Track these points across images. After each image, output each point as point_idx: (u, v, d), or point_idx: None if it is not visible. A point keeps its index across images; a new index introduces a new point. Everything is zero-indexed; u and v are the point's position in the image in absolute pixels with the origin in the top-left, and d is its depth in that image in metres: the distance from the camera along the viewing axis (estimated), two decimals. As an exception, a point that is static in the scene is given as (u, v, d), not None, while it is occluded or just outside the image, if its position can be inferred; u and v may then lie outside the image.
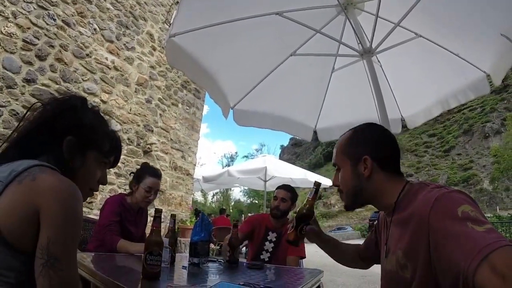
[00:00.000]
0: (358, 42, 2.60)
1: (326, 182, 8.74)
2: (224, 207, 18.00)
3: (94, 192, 1.15)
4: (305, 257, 2.91)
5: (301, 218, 1.54)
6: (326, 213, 33.09)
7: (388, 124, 2.47)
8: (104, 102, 6.30)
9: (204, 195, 38.68)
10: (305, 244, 3.16)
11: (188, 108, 8.66)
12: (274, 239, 2.94)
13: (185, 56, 2.58)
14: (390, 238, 1.18)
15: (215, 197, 44.82)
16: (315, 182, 1.71)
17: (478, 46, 2.73)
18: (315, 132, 3.75)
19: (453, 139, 42.32)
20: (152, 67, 7.58)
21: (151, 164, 3.08)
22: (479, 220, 0.84)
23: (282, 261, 2.77)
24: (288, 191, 2.97)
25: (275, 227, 2.98)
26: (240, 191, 45.27)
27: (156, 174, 2.66)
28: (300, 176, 8.71)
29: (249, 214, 11.12)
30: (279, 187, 3.03)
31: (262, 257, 2.89)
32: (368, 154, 1.19)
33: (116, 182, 6.46)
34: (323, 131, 3.73)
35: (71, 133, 1.02)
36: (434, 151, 43.97)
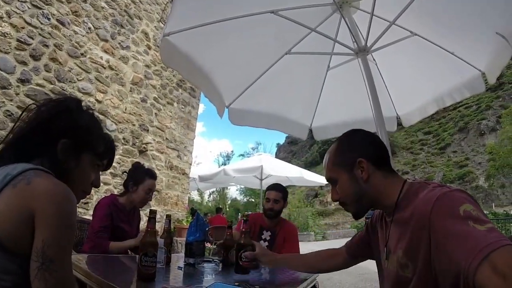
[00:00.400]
0: (353, 40, 2.60)
1: (323, 180, 8.76)
2: (220, 206, 17.95)
3: (89, 193, 1.15)
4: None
5: (239, 249, 1.71)
6: (323, 211, 33.05)
7: (383, 122, 2.47)
8: (99, 101, 6.26)
9: (201, 194, 38.54)
10: (300, 243, 3.17)
11: (183, 107, 8.63)
12: (268, 237, 2.95)
13: (180, 55, 2.56)
14: (390, 239, 1.17)
15: (211, 196, 44.71)
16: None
17: (474, 44, 2.74)
18: (310, 131, 3.76)
19: (449, 137, 42.38)
20: (147, 66, 7.54)
21: (147, 164, 3.07)
22: (480, 219, 0.83)
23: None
24: (279, 191, 2.97)
25: (269, 226, 2.99)
26: (237, 190, 45.19)
27: (154, 175, 2.69)
28: (296, 174, 8.73)
29: (246, 213, 11.11)
30: (269, 188, 3.04)
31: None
32: (362, 156, 1.18)
33: (112, 182, 6.42)
34: (318, 129, 3.74)
35: (66, 135, 1.02)
36: (429, 148, 44.03)
